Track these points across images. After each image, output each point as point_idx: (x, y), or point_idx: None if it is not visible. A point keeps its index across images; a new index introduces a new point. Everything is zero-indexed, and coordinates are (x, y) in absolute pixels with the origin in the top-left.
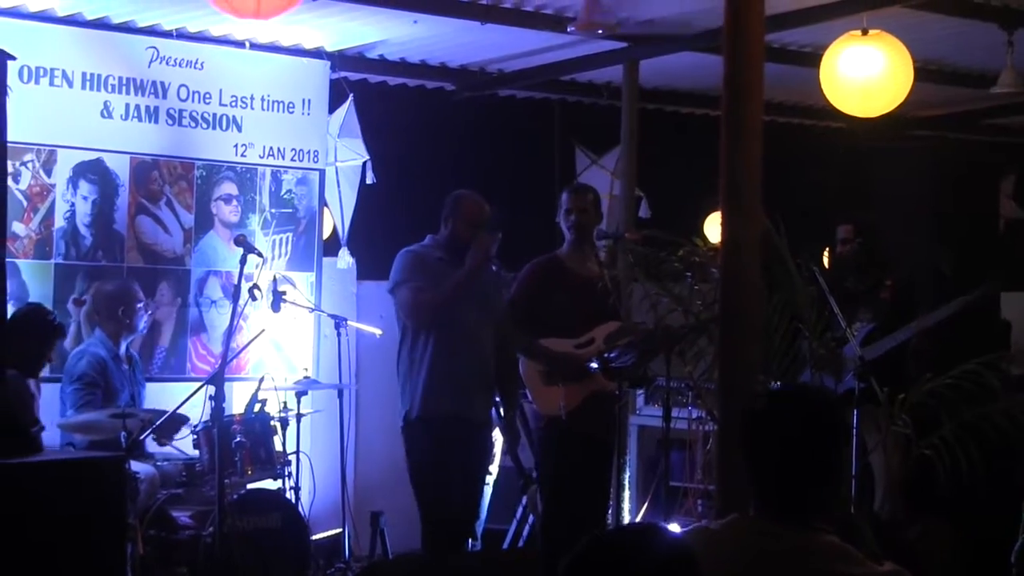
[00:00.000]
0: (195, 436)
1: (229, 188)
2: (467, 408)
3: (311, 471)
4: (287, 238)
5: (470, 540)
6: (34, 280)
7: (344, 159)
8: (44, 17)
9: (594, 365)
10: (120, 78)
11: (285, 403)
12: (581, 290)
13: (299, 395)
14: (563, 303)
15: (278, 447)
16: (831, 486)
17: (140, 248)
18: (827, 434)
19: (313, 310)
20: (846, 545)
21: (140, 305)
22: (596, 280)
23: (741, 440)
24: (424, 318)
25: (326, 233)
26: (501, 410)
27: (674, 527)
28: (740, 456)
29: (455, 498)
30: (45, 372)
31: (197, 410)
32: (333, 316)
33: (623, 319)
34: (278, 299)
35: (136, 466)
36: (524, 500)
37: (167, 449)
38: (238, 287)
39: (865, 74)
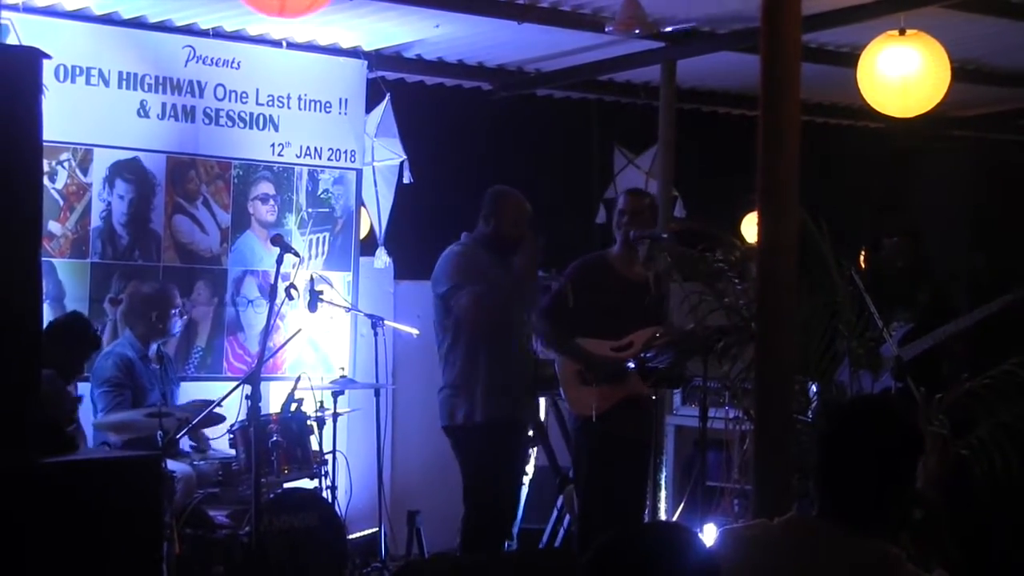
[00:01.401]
0: (231, 435)
1: (266, 187)
2: (519, 411)
3: (347, 470)
4: (324, 237)
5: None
6: (70, 279)
7: (381, 159)
8: (80, 16)
9: (631, 365)
10: (156, 77)
11: (322, 402)
12: (626, 292)
13: (335, 394)
14: (606, 304)
15: (314, 446)
16: (901, 498)
17: (177, 247)
18: (907, 449)
19: (350, 310)
20: (901, 554)
21: (175, 311)
22: (642, 284)
23: (820, 442)
24: (485, 323)
25: (363, 233)
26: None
27: (710, 527)
28: (815, 455)
29: (506, 500)
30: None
31: (234, 409)
32: (370, 316)
33: (666, 325)
34: (315, 299)
35: (172, 465)
36: (560, 500)
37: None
38: (275, 286)
39: (903, 74)
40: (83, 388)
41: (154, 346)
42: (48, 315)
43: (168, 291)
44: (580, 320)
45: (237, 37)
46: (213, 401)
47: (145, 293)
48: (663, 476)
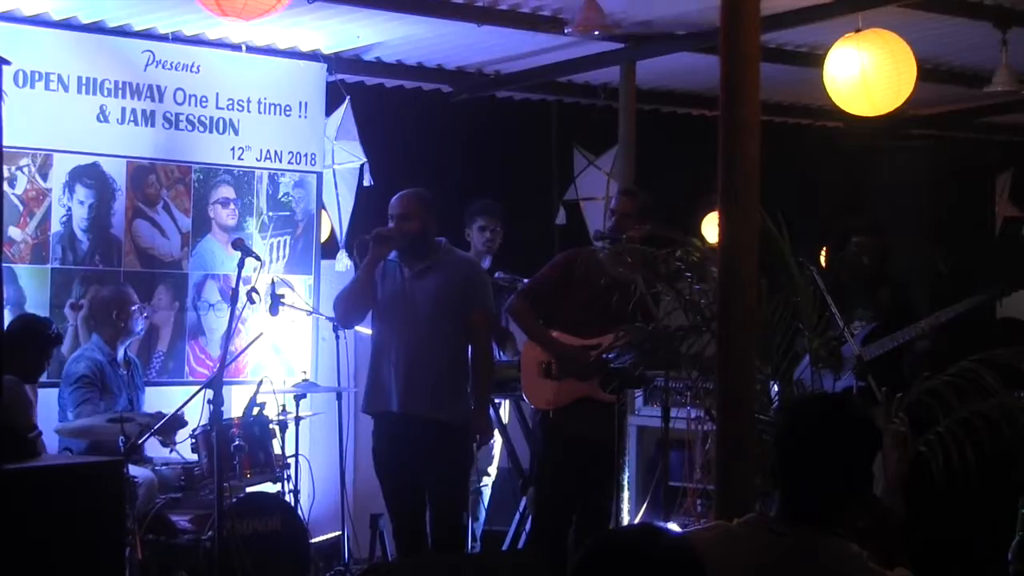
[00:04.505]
0: (194, 440)
1: (226, 191)
2: (407, 404)
3: (310, 474)
4: (285, 241)
5: (467, 542)
6: (31, 285)
7: (341, 161)
8: (39, 21)
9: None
10: (116, 82)
11: (284, 406)
12: (607, 291)
13: (298, 398)
14: (581, 299)
15: (277, 450)
16: (859, 495)
17: (137, 252)
18: (864, 445)
19: (311, 313)
20: (863, 553)
21: (135, 308)
22: (627, 283)
23: (776, 440)
24: (337, 314)
25: (324, 236)
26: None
27: (673, 527)
28: (774, 455)
29: (398, 496)
30: (42, 378)
31: (196, 414)
32: (331, 319)
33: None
34: (276, 302)
35: (134, 470)
36: (524, 502)
37: (165, 453)
38: (236, 290)
39: (870, 72)
40: (44, 395)
41: (121, 350)
42: (7, 321)
43: (124, 290)
44: (560, 312)
45: (196, 41)
46: (180, 419)
47: (104, 296)
48: (626, 477)
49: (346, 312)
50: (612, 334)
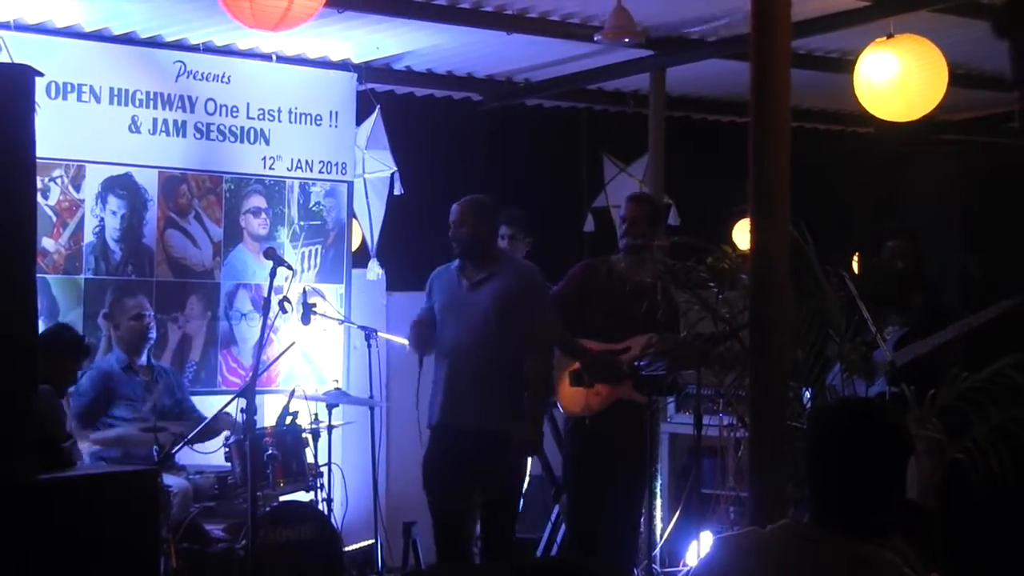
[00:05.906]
0: (227, 449)
1: (258, 201)
2: (452, 415)
3: (343, 482)
4: (316, 250)
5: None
6: (64, 295)
7: (372, 171)
8: (71, 33)
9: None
10: (148, 93)
11: (316, 415)
12: (628, 298)
13: (330, 407)
14: (607, 307)
15: (310, 459)
16: (892, 502)
17: (169, 262)
18: (895, 452)
19: (343, 322)
20: (895, 559)
21: (148, 314)
22: (645, 290)
23: (809, 447)
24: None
25: (355, 245)
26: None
27: (706, 535)
28: (805, 463)
29: (439, 500)
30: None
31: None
32: (363, 328)
33: (662, 333)
34: (308, 311)
35: (169, 479)
36: (556, 509)
37: (199, 461)
38: (268, 300)
39: (901, 78)
40: None
41: (143, 357)
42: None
43: (137, 298)
44: (580, 321)
45: (227, 51)
46: (226, 416)
47: (119, 304)
48: (658, 484)
49: (416, 346)
50: (638, 336)
